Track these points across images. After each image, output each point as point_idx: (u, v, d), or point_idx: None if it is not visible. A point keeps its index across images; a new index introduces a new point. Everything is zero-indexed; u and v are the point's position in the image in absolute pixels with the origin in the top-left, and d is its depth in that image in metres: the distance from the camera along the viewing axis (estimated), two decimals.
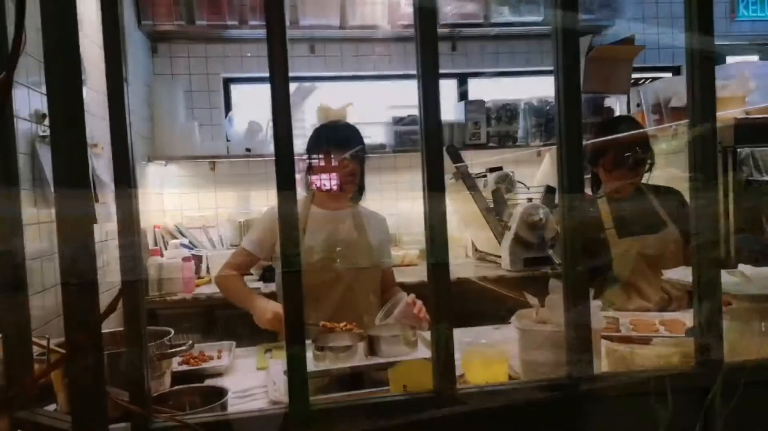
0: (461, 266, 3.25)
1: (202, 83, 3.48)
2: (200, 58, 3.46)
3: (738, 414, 1.23)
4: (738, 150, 2.38)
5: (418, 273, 3.01)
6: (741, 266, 1.53)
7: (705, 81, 1.27)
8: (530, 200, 3.02)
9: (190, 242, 3.23)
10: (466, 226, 3.41)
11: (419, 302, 1.82)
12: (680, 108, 2.63)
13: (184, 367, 1.68)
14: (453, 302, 1.09)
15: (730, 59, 3.86)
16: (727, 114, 2.37)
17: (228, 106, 3.61)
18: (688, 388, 1.22)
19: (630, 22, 3.57)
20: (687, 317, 1.66)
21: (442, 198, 1.04)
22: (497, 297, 2.35)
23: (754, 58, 3.99)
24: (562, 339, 1.21)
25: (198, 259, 3.02)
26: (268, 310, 1.85)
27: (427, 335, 1.28)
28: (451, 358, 1.06)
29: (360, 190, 2.12)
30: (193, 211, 3.47)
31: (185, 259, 2.83)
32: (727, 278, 1.40)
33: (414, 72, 1.08)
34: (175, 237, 3.19)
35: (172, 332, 1.46)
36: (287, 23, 0.97)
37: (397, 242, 3.45)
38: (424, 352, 1.59)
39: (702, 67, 1.27)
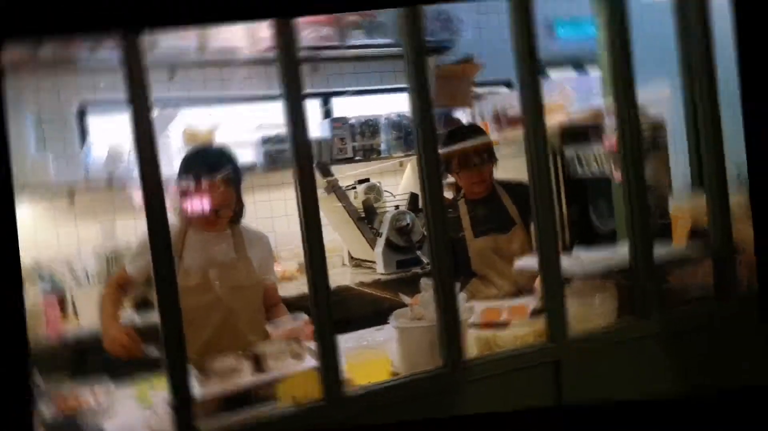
0: (339, 274, 3.35)
1: (54, 113, 3.25)
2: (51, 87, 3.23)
3: (586, 379, 1.43)
4: (565, 151, 2.72)
5: (298, 287, 3.05)
6: (576, 251, 1.77)
7: (533, 94, 1.48)
8: (397, 207, 3.21)
9: (51, 277, 2.99)
10: (340, 236, 3.52)
11: (312, 328, 1.86)
12: (516, 118, 2.94)
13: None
14: (333, 310, 1.17)
15: (551, 73, 4.37)
16: (553, 120, 2.70)
17: (83, 136, 3.40)
18: (542, 362, 1.40)
19: (470, 43, 3.92)
20: (531, 302, 1.83)
21: (317, 212, 1.11)
22: (376, 300, 2.46)
23: (572, 72, 4.55)
24: (436, 332, 1.33)
25: (61, 297, 2.82)
26: (116, 339, 1.84)
27: (312, 344, 1.34)
28: (336, 365, 1.13)
29: (239, 211, 2.10)
30: (51, 248, 3.22)
31: (46, 298, 2.63)
32: (565, 261, 1.62)
33: (277, 92, 1.14)
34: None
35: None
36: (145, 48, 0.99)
37: (276, 258, 3.46)
38: (310, 362, 1.64)
39: (529, 83, 1.47)
